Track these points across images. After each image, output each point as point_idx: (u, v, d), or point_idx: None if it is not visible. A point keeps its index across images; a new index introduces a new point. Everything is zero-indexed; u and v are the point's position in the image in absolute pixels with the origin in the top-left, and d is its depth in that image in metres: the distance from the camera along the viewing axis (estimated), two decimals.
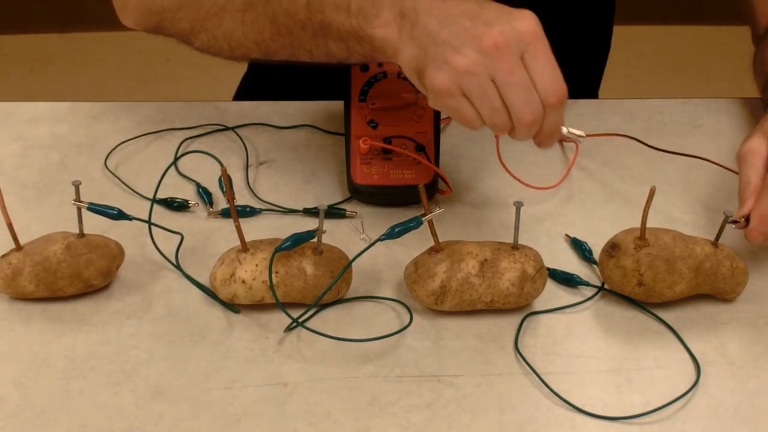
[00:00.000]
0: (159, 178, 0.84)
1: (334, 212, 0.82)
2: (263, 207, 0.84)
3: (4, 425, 0.63)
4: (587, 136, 0.82)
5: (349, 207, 0.83)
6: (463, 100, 0.67)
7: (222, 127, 0.94)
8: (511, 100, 0.66)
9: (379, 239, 0.70)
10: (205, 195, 0.84)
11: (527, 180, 0.84)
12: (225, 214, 0.82)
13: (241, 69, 1.19)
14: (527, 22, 0.66)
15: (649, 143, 0.91)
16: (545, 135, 0.69)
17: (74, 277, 0.71)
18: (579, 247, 0.79)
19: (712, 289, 0.72)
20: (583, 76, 1.12)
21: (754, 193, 0.73)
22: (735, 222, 0.72)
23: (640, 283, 0.70)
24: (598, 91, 1.17)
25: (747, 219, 0.73)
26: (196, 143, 0.92)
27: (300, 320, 0.70)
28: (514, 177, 0.82)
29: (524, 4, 0.94)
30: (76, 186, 0.71)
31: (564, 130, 0.75)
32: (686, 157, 0.90)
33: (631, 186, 0.87)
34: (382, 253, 0.78)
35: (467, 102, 0.67)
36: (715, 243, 0.72)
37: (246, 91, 1.16)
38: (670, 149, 0.91)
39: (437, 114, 0.85)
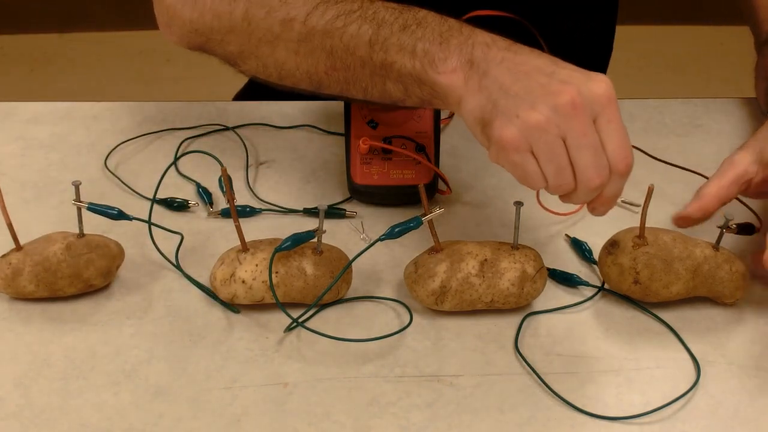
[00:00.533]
0: (159, 178, 0.84)
1: (334, 212, 0.82)
2: (263, 207, 0.84)
3: (4, 425, 0.63)
4: None
5: (349, 207, 0.83)
6: (530, 157, 0.64)
7: (222, 127, 0.94)
8: (580, 161, 0.64)
9: (379, 239, 0.70)
10: (205, 195, 0.84)
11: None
12: (225, 214, 0.82)
13: None
14: (604, 84, 0.64)
15: (649, 143, 0.91)
16: (602, 202, 0.67)
17: (74, 277, 0.71)
18: (579, 247, 0.79)
19: (710, 292, 0.72)
20: None
21: (702, 198, 0.74)
22: (727, 227, 0.72)
23: (636, 281, 0.70)
24: None
25: (741, 225, 0.72)
26: (196, 143, 0.93)
27: (300, 320, 0.70)
28: (549, 210, 0.81)
29: (529, 4, 0.94)
30: (76, 186, 0.71)
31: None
32: (686, 158, 0.90)
33: (631, 187, 0.86)
34: (382, 253, 0.78)
35: (533, 159, 0.64)
36: (715, 246, 0.72)
37: (247, 92, 1.16)
38: (671, 149, 0.91)
39: (437, 114, 0.85)
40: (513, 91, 0.64)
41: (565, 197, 0.67)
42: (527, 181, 0.66)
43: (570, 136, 0.63)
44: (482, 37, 0.68)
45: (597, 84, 0.64)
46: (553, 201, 0.80)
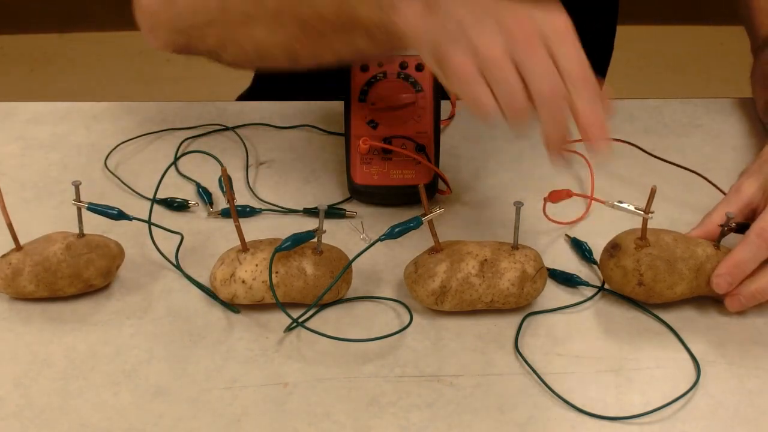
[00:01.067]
0: (159, 178, 0.84)
1: (334, 212, 0.82)
2: (263, 207, 0.84)
3: (4, 425, 0.63)
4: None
5: (349, 207, 0.83)
6: (484, 86, 0.64)
7: (222, 127, 0.94)
8: (533, 82, 0.63)
9: (379, 239, 0.70)
10: (205, 195, 0.84)
11: (527, 179, 0.84)
12: (225, 214, 0.82)
13: (243, 71, 1.19)
14: (558, 14, 0.64)
15: (649, 143, 0.91)
16: (585, 124, 0.64)
17: (74, 277, 0.71)
18: (579, 247, 0.79)
19: (712, 292, 0.72)
20: None
21: (706, 225, 0.75)
22: (730, 227, 0.72)
23: (641, 283, 0.70)
24: None
25: (738, 225, 0.73)
26: (196, 143, 0.93)
27: (300, 320, 0.70)
28: (554, 221, 0.81)
29: None
30: (76, 186, 0.71)
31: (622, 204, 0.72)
32: (686, 158, 0.90)
33: (631, 186, 0.87)
34: (382, 253, 0.78)
35: (487, 89, 0.64)
36: (716, 245, 0.72)
37: (250, 94, 1.17)
38: (671, 149, 0.91)
39: (437, 114, 0.85)
40: (466, 23, 0.64)
41: (546, 138, 0.65)
42: (480, 111, 0.65)
43: (522, 61, 0.63)
44: None
45: (550, 13, 0.64)
46: (556, 211, 0.80)
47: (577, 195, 0.80)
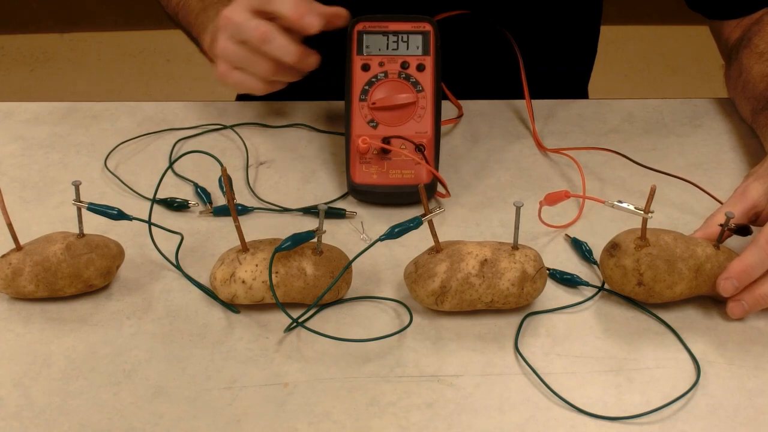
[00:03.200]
0: (159, 178, 0.84)
1: (334, 212, 0.82)
2: (263, 207, 0.84)
3: (4, 425, 0.63)
4: (571, 149, 0.82)
5: (348, 206, 0.83)
6: (237, 73, 0.84)
7: (221, 127, 0.94)
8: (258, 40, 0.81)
9: (379, 239, 0.70)
10: (204, 195, 0.84)
11: (527, 179, 0.84)
12: (217, 212, 0.82)
13: None
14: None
15: (649, 143, 0.91)
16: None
17: (74, 277, 0.71)
18: (579, 247, 0.79)
19: (712, 291, 0.72)
20: (571, 77, 1.12)
21: (709, 227, 0.75)
22: (729, 228, 0.72)
23: (640, 282, 0.70)
24: (587, 91, 1.17)
25: (738, 226, 0.73)
26: (196, 143, 0.93)
27: (300, 320, 0.70)
28: (549, 225, 0.81)
29: (512, 7, 0.95)
30: (76, 186, 0.71)
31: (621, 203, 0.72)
32: (686, 158, 0.90)
33: (631, 187, 0.87)
34: (382, 253, 0.78)
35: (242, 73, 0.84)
36: (716, 245, 0.72)
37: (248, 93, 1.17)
38: (671, 149, 0.91)
39: (438, 114, 0.85)
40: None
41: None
42: (252, 89, 0.85)
43: (240, 37, 0.82)
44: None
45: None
46: (553, 214, 0.80)
47: (574, 195, 0.80)
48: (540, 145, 0.91)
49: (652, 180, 0.87)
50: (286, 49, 0.81)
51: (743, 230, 0.73)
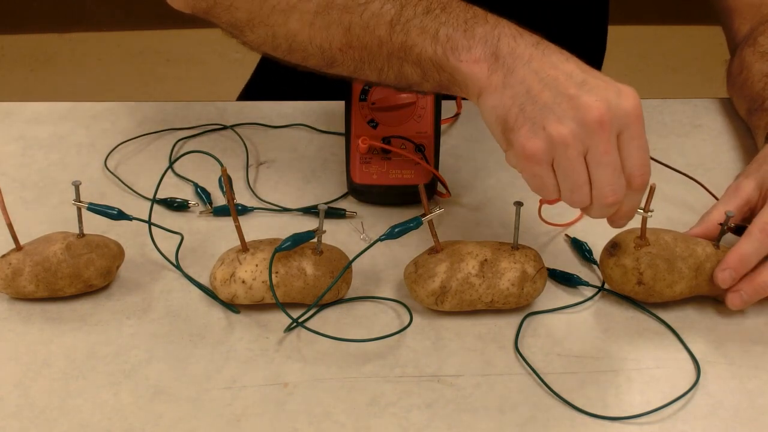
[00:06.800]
0: (159, 178, 0.84)
1: (334, 212, 0.82)
2: (263, 207, 0.84)
3: (4, 425, 0.63)
4: None
5: (348, 206, 0.83)
6: (549, 170, 0.64)
7: (221, 127, 0.94)
8: (598, 179, 0.64)
9: (379, 239, 0.70)
10: (204, 195, 0.84)
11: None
12: (217, 212, 0.82)
13: (243, 71, 1.19)
14: (633, 100, 0.63)
15: (649, 143, 0.91)
16: (620, 216, 0.67)
17: (74, 277, 0.71)
18: (579, 247, 0.79)
19: (712, 291, 0.72)
20: None
21: (705, 224, 0.75)
22: (728, 227, 0.72)
23: (640, 282, 0.70)
24: None
25: (736, 226, 0.73)
26: (195, 143, 0.93)
27: (300, 320, 0.70)
28: (550, 223, 0.81)
29: (518, 6, 0.94)
30: (76, 186, 0.71)
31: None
32: (686, 158, 0.90)
33: None
34: (382, 253, 0.78)
35: (552, 173, 0.65)
36: (716, 244, 0.72)
37: (250, 93, 1.16)
38: (671, 149, 0.91)
39: (438, 114, 0.85)
40: (541, 100, 0.63)
41: (584, 212, 0.68)
42: (542, 193, 0.66)
43: (592, 152, 0.63)
44: (509, 28, 0.66)
45: (626, 99, 0.63)
46: (553, 214, 0.80)
47: None
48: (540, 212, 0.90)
49: (658, 173, 0.87)
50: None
51: (740, 230, 0.73)
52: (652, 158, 0.88)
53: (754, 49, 0.93)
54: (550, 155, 0.63)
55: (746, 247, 0.70)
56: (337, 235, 0.80)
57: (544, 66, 0.64)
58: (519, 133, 0.64)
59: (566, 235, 0.80)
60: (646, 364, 0.68)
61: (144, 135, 0.93)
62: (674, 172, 0.88)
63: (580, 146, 0.63)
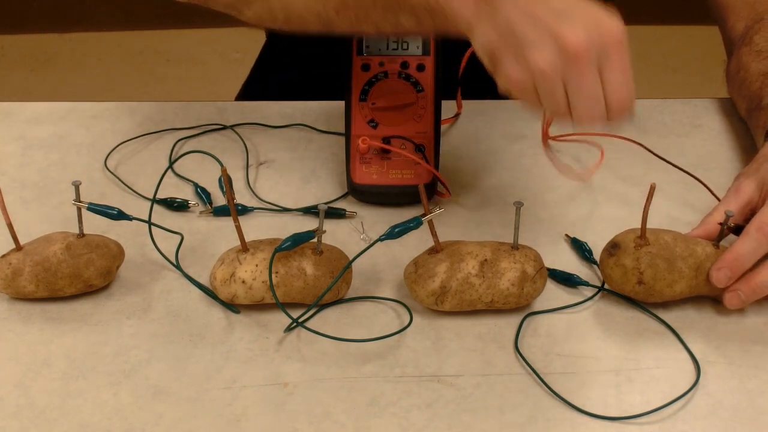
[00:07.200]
0: (159, 178, 0.84)
1: (334, 212, 0.82)
2: (263, 207, 0.84)
3: (4, 425, 0.63)
4: (590, 134, 0.82)
5: (348, 206, 0.83)
6: (535, 95, 0.67)
7: (221, 127, 0.94)
8: (575, 107, 0.66)
9: (379, 239, 0.70)
10: (204, 195, 0.84)
11: (527, 179, 0.84)
12: (217, 212, 0.82)
13: (243, 71, 1.19)
14: (615, 26, 0.64)
15: (649, 143, 0.91)
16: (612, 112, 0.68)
17: (74, 277, 0.71)
18: (579, 247, 0.79)
19: (712, 291, 0.72)
20: None
21: (706, 225, 0.75)
22: (728, 227, 0.72)
23: (640, 281, 0.70)
24: None
25: (736, 226, 0.73)
26: (195, 143, 0.93)
27: (300, 320, 0.70)
28: (557, 166, 0.81)
29: None
30: (76, 186, 0.71)
31: None
32: (686, 158, 0.90)
33: (631, 187, 0.87)
34: (382, 253, 0.78)
35: (537, 97, 0.67)
36: (716, 244, 0.72)
37: (248, 92, 1.16)
38: (671, 149, 0.91)
39: (438, 114, 0.85)
40: (522, 32, 0.65)
41: (576, 123, 0.69)
42: (531, 108, 0.68)
43: (569, 83, 0.65)
44: None
45: (607, 26, 0.64)
46: (557, 210, 0.80)
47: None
48: (546, 135, 0.90)
49: (658, 172, 0.87)
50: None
51: (740, 230, 0.73)
52: (657, 156, 0.89)
53: (750, 48, 0.93)
54: (531, 82, 0.66)
55: (743, 247, 0.70)
56: (337, 235, 0.80)
57: (527, 1, 0.66)
58: (503, 65, 0.66)
59: (566, 235, 0.80)
60: (646, 364, 0.68)
61: (144, 135, 0.93)
62: (675, 171, 0.88)
63: (558, 74, 0.64)
